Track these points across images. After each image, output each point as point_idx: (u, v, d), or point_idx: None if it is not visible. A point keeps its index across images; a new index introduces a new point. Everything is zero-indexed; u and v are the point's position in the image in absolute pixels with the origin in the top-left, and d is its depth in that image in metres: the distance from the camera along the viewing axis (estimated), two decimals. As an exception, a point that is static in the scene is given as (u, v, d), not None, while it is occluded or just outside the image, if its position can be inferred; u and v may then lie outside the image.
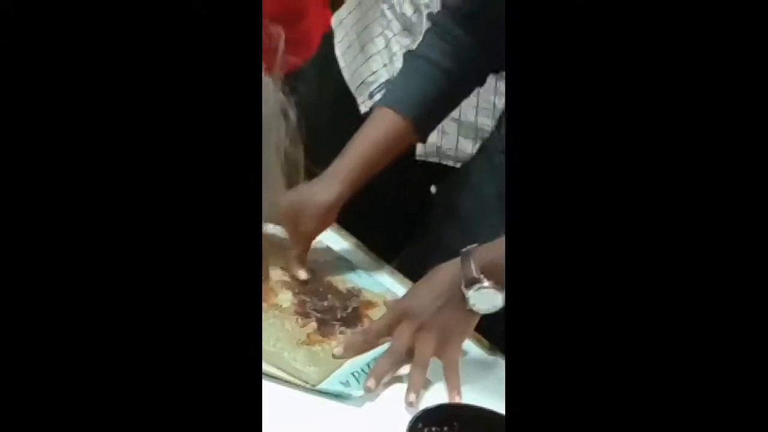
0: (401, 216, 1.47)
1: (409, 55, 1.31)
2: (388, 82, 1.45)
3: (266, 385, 1.05)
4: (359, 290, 1.23)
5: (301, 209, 1.22)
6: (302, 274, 1.22)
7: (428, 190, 1.46)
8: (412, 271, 1.27)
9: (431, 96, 1.27)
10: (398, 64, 1.40)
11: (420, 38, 1.33)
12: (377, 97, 1.43)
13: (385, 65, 1.47)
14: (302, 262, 1.23)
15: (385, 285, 1.26)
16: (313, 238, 1.25)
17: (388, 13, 1.48)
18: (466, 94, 1.31)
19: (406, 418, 0.97)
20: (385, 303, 1.21)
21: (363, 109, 1.47)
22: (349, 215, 1.27)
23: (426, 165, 1.46)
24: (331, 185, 1.23)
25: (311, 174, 1.19)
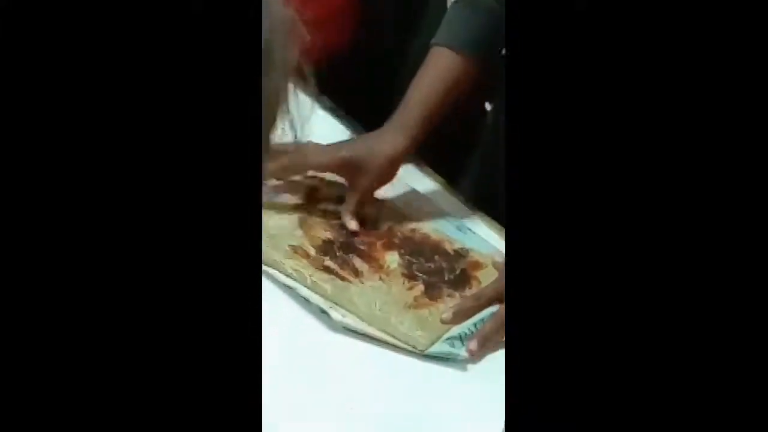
0: (459, 137, 1.43)
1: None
2: None
3: (372, 348, 1.05)
4: (467, 251, 1.21)
5: (364, 161, 1.20)
6: (353, 224, 1.19)
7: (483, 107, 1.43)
8: (483, 202, 1.26)
9: (487, 31, 1.22)
10: None
11: None
12: None
13: None
14: (354, 213, 1.20)
15: (493, 244, 1.24)
16: (373, 192, 1.23)
17: None
18: None
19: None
20: (494, 264, 1.20)
21: None
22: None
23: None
24: (396, 138, 1.20)
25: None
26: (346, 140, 1.25)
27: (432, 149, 1.35)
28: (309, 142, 1.20)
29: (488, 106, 1.41)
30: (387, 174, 1.22)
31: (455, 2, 1.27)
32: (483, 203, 1.30)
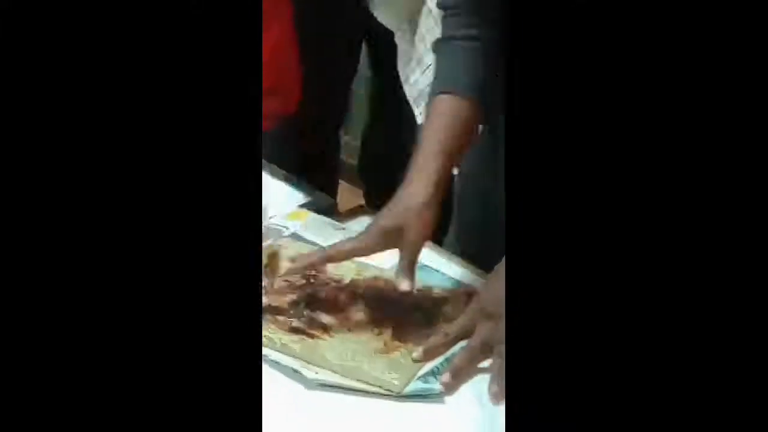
0: None
1: (440, 43, 1.31)
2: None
3: (348, 398, 1.07)
4: (429, 288, 1.24)
5: (405, 223, 1.19)
6: (405, 285, 1.18)
7: None
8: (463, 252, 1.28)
9: (481, 70, 1.26)
10: None
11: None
12: None
13: None
14: (412, 272, 1.19)
15: (455, 278, 1.26)
16: (423, 245, 1.22)
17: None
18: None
19: (489, 409, 0.99)
20: (457, 297, 1.22)
21: (420, 120, 1.46)
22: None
23: None
24: (422, 188, 1.20)
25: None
26: (380, 212, 1.22)
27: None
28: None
29: (455, 171, 1.44)
30: (428, 224, 1.21)
31: (441, 52, 1.31)
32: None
